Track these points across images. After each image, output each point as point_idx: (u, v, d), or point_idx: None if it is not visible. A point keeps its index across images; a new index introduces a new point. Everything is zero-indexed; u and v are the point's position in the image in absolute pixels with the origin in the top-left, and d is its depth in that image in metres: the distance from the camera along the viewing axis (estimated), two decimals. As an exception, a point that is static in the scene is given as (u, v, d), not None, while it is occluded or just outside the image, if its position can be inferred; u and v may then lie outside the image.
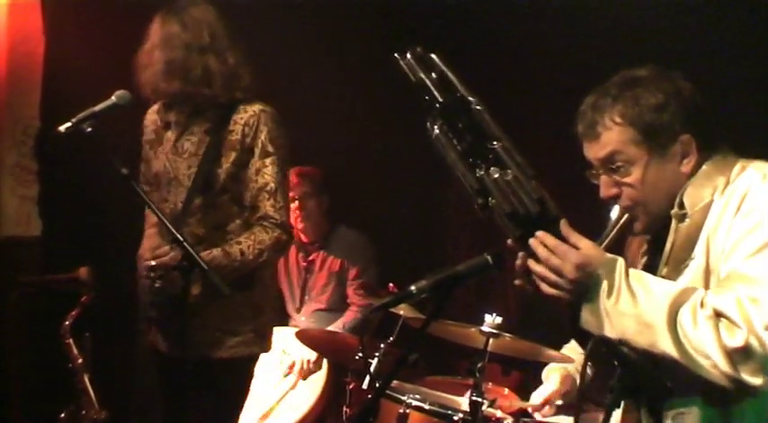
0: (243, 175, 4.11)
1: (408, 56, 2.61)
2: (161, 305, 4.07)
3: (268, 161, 4.09)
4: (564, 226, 2.57)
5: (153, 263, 3.91)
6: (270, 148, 4.10)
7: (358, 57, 6.34)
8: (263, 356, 4.33)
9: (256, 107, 4.13)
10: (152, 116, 4.31)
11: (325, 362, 5.92)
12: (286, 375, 5.91)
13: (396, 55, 2.63)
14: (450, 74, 2.59)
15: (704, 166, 2.68)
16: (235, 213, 4.13)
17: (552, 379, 3.94)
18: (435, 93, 2.57)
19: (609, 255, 2.59)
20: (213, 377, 4.08)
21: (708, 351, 2.41)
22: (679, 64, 2.82)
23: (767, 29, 5.24)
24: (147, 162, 4.28)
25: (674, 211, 2.68)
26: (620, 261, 2.56)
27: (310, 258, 6.30)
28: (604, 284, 2.52)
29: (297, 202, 5.94)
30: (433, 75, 2.59)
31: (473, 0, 6.24)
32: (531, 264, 2.57)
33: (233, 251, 4.01)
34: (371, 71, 6.23)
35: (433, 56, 2.62)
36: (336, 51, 6.33)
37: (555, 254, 2.54)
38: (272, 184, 4.09)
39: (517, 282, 2.65)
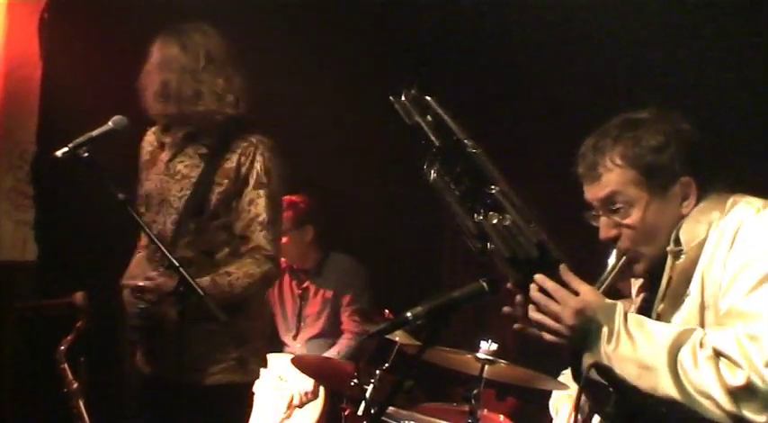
0: (235, 203, 4.08)
1: (403, 98, 2.60)
2: (143, 328, 4.06)
3: (262, 192, 4.07)
4: (564, 271, 2.56)
5: (141, 284, 3.89)
6: (264, 179, 4.08)
7: (356, 82, 6.36)
8: (258, 382, 4.30)
9: (254, 137, 4.11)
10: (149, 137, 4.31)
11: (321, 390, 5.91)
12: (286, 410, 5.90)
13: (391, 97, 2.60)
14: (445, 117, 2.57)
15: (700, 204, 2.68)
16: (224, 241, 4.09)
17: (563, 411, 3.92)
18: (431, 136, 2.55)
19: (607, 300, 2.57)
20: (198, 403, 4.00)
21: (710, 391, 2.39)
22: (678, 95, 2.83)
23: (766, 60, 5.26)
24: (142, 184, 4.26)
25: (670, 247, 2.67)
26: (619, 306, 2.55)
27: (304, 286, 6.30)
28: (604, 330, 2.51)
29: None
30: (429, 117, 2.57)
31: (472, 30, 6.26)
32: (531, 311, 2.57)
33: (222, 282, 3.96)
34: (370, 96, 6.25)
35: (429, 98, 2.60)
36: (334, 77, 6.35)
37: (554, 299, 2.53)
38: (265, 216, 4.06)
39: (516, 326, 2.64)
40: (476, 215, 2.54)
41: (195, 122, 4.11)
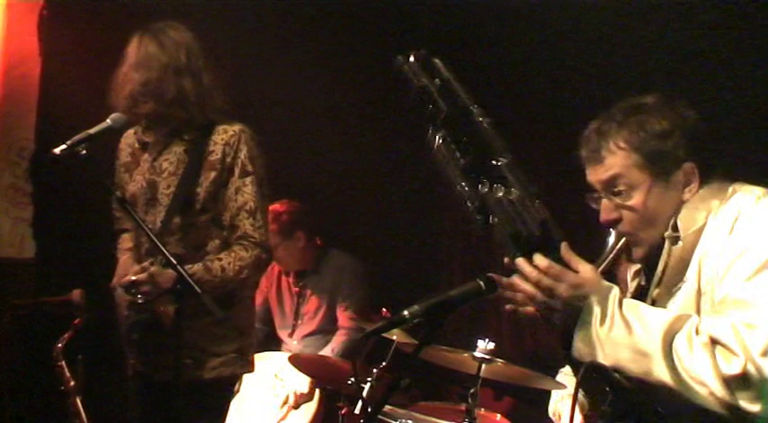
0: (222, 194, 4.10)
1: (412, 59, 2.56)
2: (142, 325, 4.07)
3: (248, 180, 4.09)
4: (564, 249, 2.56)
5: (134, 278, 3.88)
6: (250, 168, 4.10)
7: (355, 79, 6.36)
8: (255, 380, 4.31)
9: (236, 127, 4.13)
10: (128, 139, 4.30)
11: (317, 391, 5.90)
12: (281, 408, 5.89)
13: (399, 57, 2.56)
14: (454, 82, 2.54)
15: (700, 191, 2.69)
16: (214, 233, 4.11)
17: (566, 412, 3.90)
18: (440, 102, 2.52)
19: (604, 282, 2.57)
20: (196, 398, 4.00)
21: (705, 379, 2.38)
22: (681, 86, 2.82)
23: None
24: (122, 186, 4.24)
25: (668, 233, 2.68)
26: (615, 289, 2.55)
27: (301, 284, 6.29)
28: (597, 312, 2.51)
29: None
30: (437, 81, 2.53)
31: (468, 19, 6.25)
32: (521, 282, 2.57)
33: (214, 267, 3.99)
34: (366, 92, 6.25)
35: (438, 61, 2.56)
36: (332, 74, 6.34)
37: (548, 275, 2.53)
38: (252, 204, 4.08)
39: (508, 307, 2.64)
40: (480, 187, 2.50)
41: (176, 122, 4.11)
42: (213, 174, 4.08)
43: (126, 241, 4.26)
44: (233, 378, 4.19)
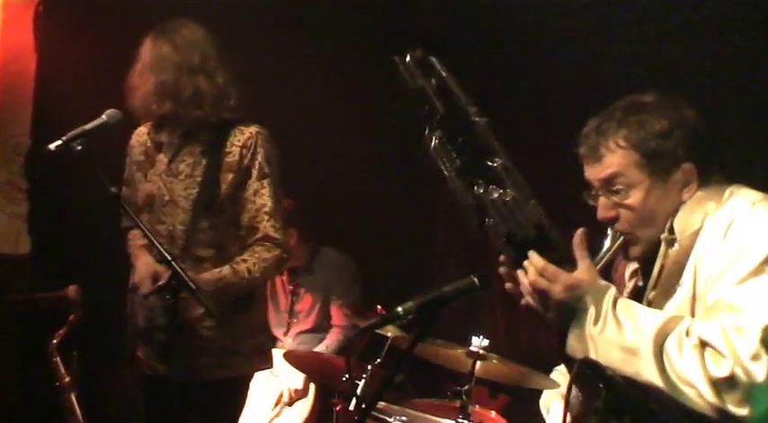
0: (239, 196, 4.10)
1: (408, 59, 2.56)
2: (170, 326, 4.03)
3: (266, 182, 4.10)
4: (578, 238, 2.57)
5: (161, 282, 3.84)
6: (267, 170, 4.11)
7: (347, 75, 6.36)
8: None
9: (253, 129, 4.13)
10: (140, 137, 4.28)
11: (312, 386, 5.91)
12: (275, 406, 5.91)
13: (396, 58, 2.56)
14: (451, 82, 2.54)
15: (697, 193, 2.68)
16: (232, 235, 4.12)
17: (555, 408, 3.90)
18: (436, 102, 2.52)
19: (601, 281, 2.57)
20: (212, 397, 4.06)
21: (693, 380, 2.39)
22: (681, 87, 2.81)
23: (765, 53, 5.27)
24: (134, 184, 4.25)
25: (664, 235, 2.67)
26: (611, 289, 2.55)
27: (296, 282, 6.31)
28: (591, 311, 2.51)
29: None
30: (433, 81, 2.53)
31: (470, 20, 6.26)
32: (521, 276, 2.57)
33: (240, 269, 4.02)
34: (362, 91, 6.25)
35: (434, 60, 2.56)
36: (325, 70, 6.34)
37: (543, 276, 2.53)
38: (270, 205, 4.09)
39: (524, 302, 2.63)
40: (476, 188, 2.51)
41: (191, 122, 4.11)
42: (231, 176, 4.09)
43: (138, 238, 4.21)
44: (249, 375, 4.24)
